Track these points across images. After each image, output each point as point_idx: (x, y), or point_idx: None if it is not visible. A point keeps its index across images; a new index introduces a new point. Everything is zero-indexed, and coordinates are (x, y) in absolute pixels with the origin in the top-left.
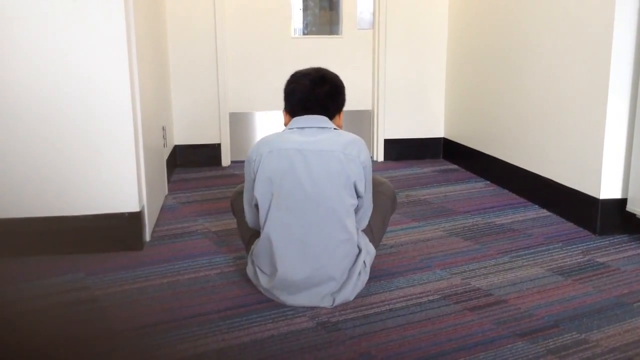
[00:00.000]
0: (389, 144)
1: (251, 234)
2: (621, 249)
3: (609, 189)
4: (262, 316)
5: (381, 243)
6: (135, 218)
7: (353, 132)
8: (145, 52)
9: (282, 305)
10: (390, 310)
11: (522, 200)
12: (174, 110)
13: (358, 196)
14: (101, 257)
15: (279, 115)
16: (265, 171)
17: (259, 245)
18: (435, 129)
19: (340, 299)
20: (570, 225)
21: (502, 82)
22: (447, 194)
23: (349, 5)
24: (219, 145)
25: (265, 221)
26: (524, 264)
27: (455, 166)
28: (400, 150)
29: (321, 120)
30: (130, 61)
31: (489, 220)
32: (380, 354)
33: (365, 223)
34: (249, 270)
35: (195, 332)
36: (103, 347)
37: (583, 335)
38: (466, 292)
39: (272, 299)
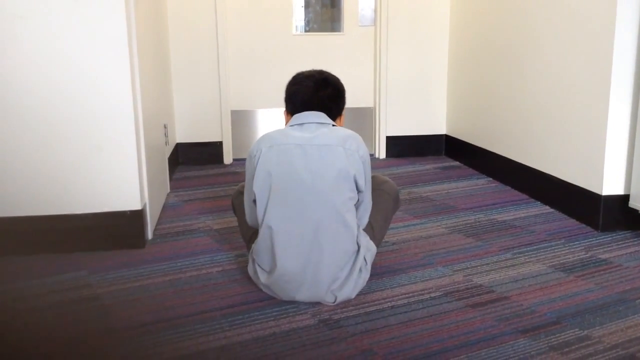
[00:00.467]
0: (391, 141)
1: (252, 232)
2: (624, 245)
3: (611, 185)
4: (263, 314)
5: (383, 240)
6: (137, 216)
7: (355, 130)
8: (146, 50)
9: (283, 302)
10: (392, 307)
11: (524, 196)
12: (175, 108)
13: (359, 191)
14: (103, 255)
15: (280, 112)
16: (264, 165)
17: (258, 242)
18: (437, 126)
19: (341, 296)
20: (572, 222)
21: (504, 79)
22: (449, 190)
23: (350, 2)
24: (220, 143)
25: (263, 216)
26: (526, 260)
27: (457, 163)
28: (402, 147)
29: (320, 116)
30: (132, 59)
31: (491, 217)
32: (382, 351)
33: (365, 221)
34: (250, 268)
35: (197, 330)
36: (105, 345)
37: (585, 332)
38: (468, 288)
39: (273, 297)
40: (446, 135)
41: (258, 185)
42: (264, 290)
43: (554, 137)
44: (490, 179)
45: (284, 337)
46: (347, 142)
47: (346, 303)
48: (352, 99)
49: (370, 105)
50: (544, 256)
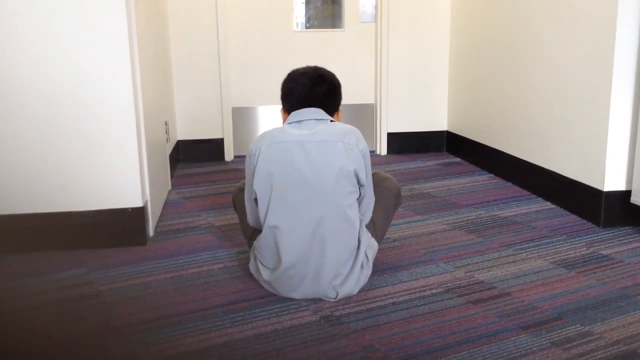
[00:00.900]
0: (392, 138)
1: (253, 229)
2: (625, 241)
3: (613, 181)
4: (265, 310)
5: (384, 237)
6: (138, 213)
7: (356, 126)
8: (147, 47)
9: (285, 299)
10: (394, 303)
11: (525, 192)
12: (176, 106)
13: (360, 185)
14: (105, 252)
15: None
16: (265, 164)
17: (260, 240)
18: (438, 122)
19: (343, 292)
20: (574, 218)
21: (505, 75)
22: (450, 187)
23: None
24: (221, 140)
25: (266, 214)
26: (528, 256)
27: (459, 159)
28: (403, 143)
29: (318, 112)
30: (132, 56)
31: (493, 213)
32: (383, 347)
33: (369, 216)
34: (251, 265)
35: (198, 327)
36: (106, 342)
37: (587, 328)
38: (469, 285)
39: (274, 294)
40: (447, 132)
41: (259, 184)
42: (265, 287)
43: (556, 133)
44: (492, 175)
45: (286, 334)
46: (347, 137)
47: (348, 299)
48: (353, 96)
49: (371, 101)
50: (545, 252)
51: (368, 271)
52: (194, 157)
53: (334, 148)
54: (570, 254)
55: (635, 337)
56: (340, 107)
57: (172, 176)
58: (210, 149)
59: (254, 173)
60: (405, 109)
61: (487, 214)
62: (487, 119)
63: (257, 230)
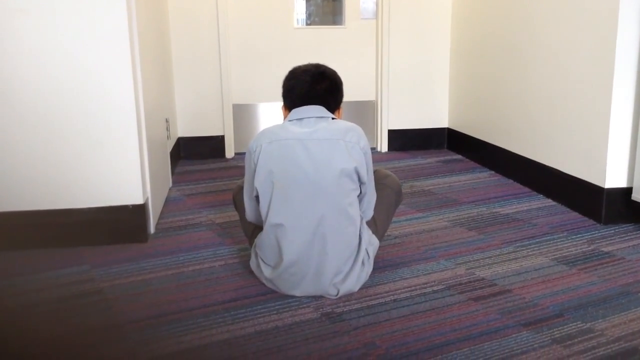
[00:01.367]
0: (393, 135)
1: (254, 227)
2: (626, 238)
3: (614, 178)
4: (266, 307)
5: (385, 234)
6: (139, 210)
7: (357, 123)
8: (147, 43)
9: (286, 296)
10: (395, 300)
11: (526, 189)
12: (177, 103)
13: (361, 183)
14: (106, 249)
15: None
16: (265, 161)
17: (262, 237)
18: (439, 119)
19: (344, 289)
20: (575, 215)
21: (507, 72)
22: (451, 184)
23: None
24: (222, 137)
25: (267, 212)
26: (529, 253)
27: (460, 156)
28: (404, 140)
29: (319, 110)
30: (133, 53)
31: (494, 210)
32: (384, 344)
33: (370, 213)
34: (252, 263)
35: (200, 324)
36: (108, 339)
37: (588, 325)
38: (470, 282)
39: (276, 291)
40: (448, 129)
41: (260, 182)
42: (266, 284)
43: (557, 130)
44: (493, 172)
45: (287, 331)
46: (348, 134)
47: (349, 296)
48: (354, 93)
49: (372, 98)
50: (546, 249)
51: (369, 268)
52: (195, 154)
53: (335, 146)
54: (572, 251)
55: (637, 334)
56: (342, 105)
57: (172, 173)
58: (211, 146)
59: (254, 170)
60: (406, 106)
61: (488, 211)
62: (488, 116)
63: (257, 228)
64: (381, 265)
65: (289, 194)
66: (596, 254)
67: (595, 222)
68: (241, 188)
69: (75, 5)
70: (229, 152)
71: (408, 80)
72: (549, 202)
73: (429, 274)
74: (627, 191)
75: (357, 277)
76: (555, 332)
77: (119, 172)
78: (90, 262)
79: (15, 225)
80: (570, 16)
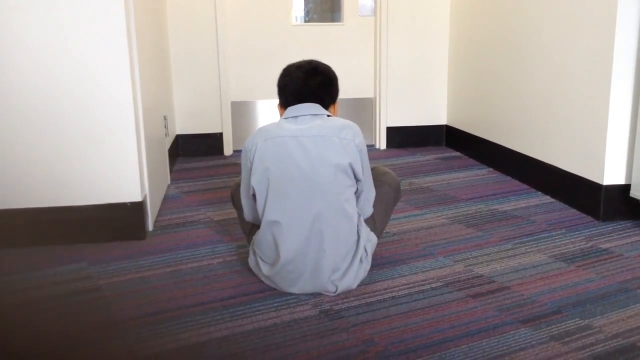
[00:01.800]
0: (392, 132)
1: (252, 224)
2: (624, 234)
3: (612, 175)
4: (264, 304)
5: (384, 231)
6: (137, 207)
7: (355, 120)
8: (145, 40)
9: (284, 293)
10: (393, 297)
11: (524, 186)
12: (175, 100)
13: (357, 180)
14: (104, 246)
15: None
16: (261, 159)
17: (259, 235)
18: (437, 116)
19: (342, 286)
20: (573, 212)
21: (505, 69)
22: (449, 181)
23: None
24: (220, 134)
25: (264, 209)
26: (527, 250)
27: (458, 153)
28: (403, 137)
29: (314, 107)
30: (131, 50)
31: (492, 207)
32: (383, 341)
33: (368, 210)
34: (251, 260)
35: (198, 321)
36: (106, 336)
37: (586, 321)
38: (469, 279)
39: (274, 288)
40: (447, 126)
41: (256, 180)
42: (265, 281)
43: (555, 127)
44: (491, 169)
45: (285, 328)
46: (343, 131)
47: (347, 293)
48: (352, 90)
49: (371, 95)
50: (544, 246)
51: (367, 265)
52: (193, 152)
53: (329, 143)
54: (570, 248)
55: (635, 331)
56: (340, 101)
57: (171, 171)
58: (209, 144)
59: (250, 169)
60: (404, 103)
61: (487, 208)
62: (486, 113)
63: (255, 226)
64: (379, 262)
65: (284, 191)
66: (594, 250)
67: (593, 219)
68: (239, 186)
69: (73, 3)
70: (227, 150)
71: (406, 78)
72: (547, 199)
73: (428, 271)
74: (625, 188)
75: (355, 274)
76: (554, 329)
77: (117, 169)
78: (88, 259)
79: (13, 222)
80: (569, 13)
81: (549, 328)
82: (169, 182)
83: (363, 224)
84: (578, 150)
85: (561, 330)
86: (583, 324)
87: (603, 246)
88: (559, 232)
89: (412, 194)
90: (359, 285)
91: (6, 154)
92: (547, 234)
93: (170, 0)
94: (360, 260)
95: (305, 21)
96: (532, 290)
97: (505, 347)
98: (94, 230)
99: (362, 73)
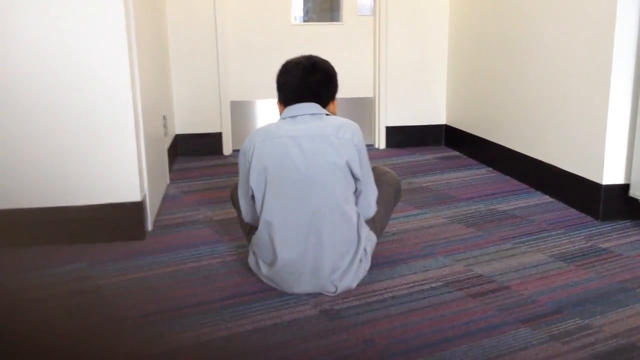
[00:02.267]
0: (391, 131)
1: (252, 224)
2: (624, 234)
3: (611, 175)
4: (265, 304)
5: (384, 230)
6: (137, 207)
7: (354, 120)
8: (145, 40)
9: (284, 293)
10: (393, 297)
11: (524, 186)
12: (174, 99)
13: (356, 179)
14: (103, 246)
15: None
16: (259, 159)
17: (257, 234)
18: (437, 116)
19: (342, 286)
20: (572, 211)
21: (504, 68)
22: (449, 180)
23: None
24: (220, 134)
25: (261, 209)
26: (527, 250)
27: (457, 153)
28: (402, 137)
29: (313, 107)
30: (130, 50)
31: (491, 207)
32: (383, 341)
33: (369, 210)
34: (251, 260)
35: (198, 321)
36: (106, 336)
37: (586, 321)
38: (469, 278)
39: (274, 288)
40: (446, 125)
41: (254, 180)
42: (265, 281)
43: (554, 126)
44: (490, 168)
45: (286, 328)
46: (340, 131)
47: (347, 293)
48: (352, 89)
49: (370, 95)
50: (544, 246)
51: (367, 265)
52: (192, 151)
53: (326, 142)
54: (569, 248)
55: (634, 330)
56: (339, 100)
57: (170, 170)
58: (209, 143)
59: (248, 170)
60: (403, 103)
61: (486, 208)
62: (485, 113)
63: (255, 226)
64: (379, 262)
65: (282, 191)
66: (594, 250)
67: (592, 219)
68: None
69: (73, 3)
70: (227, 149)
71: (406, 77)
72: (547, 198)
73: (427, 270)
74: (625, 188)
75: (354, 274)
76: (554, 329)
77: (116, 169)
78: (88, 259)
79: (13, 222)
80: (568, 12)
81: (549, 328)
82: (168, 181)
83: (363, 224)
84: (577, 150)
85: (561, 330)
86: (583, 323)
87: (602, 246)
88: (559, 231)
89: (411, 193)
90: (358, 285)
91: (5, 155)
92: (546, 234)
93: (169, 0)
94: (360, 260)
95: (305, 20)
96: (532, 290)
97: (505, 347)
98: (93, 231)
99: (361, 72)
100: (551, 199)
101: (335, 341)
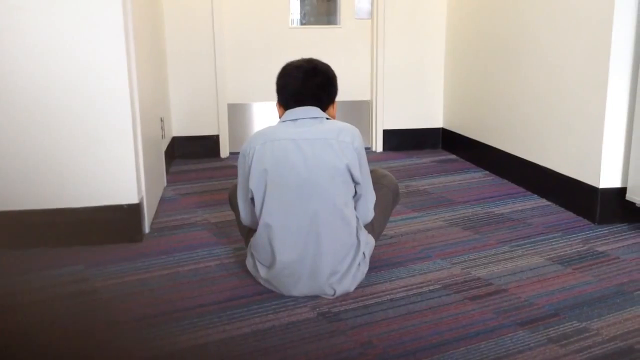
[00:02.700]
0: (388, 135)
1: (250, 227)
2: (621, 237)
3: (608, 178)
4: (262, 307)
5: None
6: (134, 210)
7: (352, 123)
8: (142, 42)
9: (282, 296)
10: (391, 300)
11: (521, 189)
12: (172, 102)
13: (356, 183)
14: (101, 249)
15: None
16: (259, 162)
17: (256, 237)
18: (434, 119)
19: (340, 289)
20: (569, 215)
21: (501, 72)
22: (446, 184)
23: None
24: (217, 136)
25: (261, 211)
26: (524, 253)
27: (454, 156)
28: (399, 140)
29: (314, 111)
30: (128, 52)
31: (489, 210)
32: (381, 344)
33: (367, 215)
34: (249, 262)
35: (196, 323)
36: (103, 339)
37: (583, 324)
38: (466, 281)
39: (272, 291)
40: (443, 129)
41: (254, 182)
42: (263, 284)
43: (552, 130)
44: (487, 172)
45: (284, 330)
46: (341, 134)
47: (345, 296)
48: (349, 93)
49: (367, 98)
50: (541, 249)
51: (365, 268)
52: (190, 154)
53: (327, 145)
54: (567, 251)
55: (632, 333)
56: (337, 103)
57: (167, 173)
58: (206, 146)
59: (248, 173)
60: (401, 106)
61: (483, 211)
62: (482, 116)
63: (253, 228)
64: (377, 264)
65: (281, 193)
66: (591, 253)
67: (589, 222)
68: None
69: (71, 4)
70: (224, 152)
71: (403, 80)
72: (544, 202)
73: (425, 273)
74: (621, 191)
75: (353, 277)
76: (551, 332)
77: (113, 171)
78: (85, 261)
79: (10, 224)
80: (565, 16)
81: (546, 331)
82: (165, 184)
83: (362, 228)
84: (574, 154)
85: (559, 333)
86: (580, 326)
87: (599, 249)
88: (556, 235)
89: (409, 196)
90: (357, 288)
91: (2, 156)
92: (543, 237)
93: (167, 3)
94: (359, 264)
95: (302, 24)
96: (530, 293)
97: (503, 350)
98: (90, 233)
99: (359, 76)
100: (548, 202)
101: (334, 344)
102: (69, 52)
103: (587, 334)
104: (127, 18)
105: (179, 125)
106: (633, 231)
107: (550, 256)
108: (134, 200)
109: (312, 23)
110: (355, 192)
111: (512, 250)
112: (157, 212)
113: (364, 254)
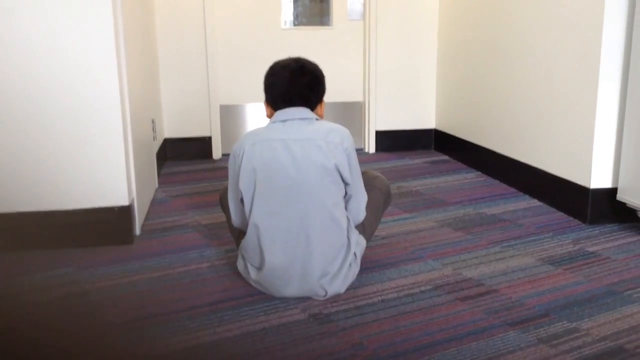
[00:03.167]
0: (380, 136)
1: (241, 229)
2: (611, 238)
3: (599, 179)
4: (253, 309)
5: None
6: (125, 212)
7: (344, 124)
8: (133, 43)
9: (273, 297)
10: (382, 301)
11: (512, 190)
12: (163, 103)
13: (346, 183)
14: (91, 251)
15: None
16: (249, 163)
17: (246, 238)
18: (426, 120)
19: (331, 290)
20: (560, 215)
21: (493, 73)
22: (438, 184)
23: None
24: (209, 138)
25: (250, 212)
26: (515, 253)
27: (447, 157)
28: (392, 141)
29: (303, 111)
30: (119, 53)
31: (480, 211)
32: (372, 345)
33: (359, 215)
34: (240, 264)
35: (186, 326)
36: (94, 341)
37: (574, 324)
38: (458, 282)
39: (263, 292)
40: (435, 130)
41: (244, 183)
42: (254, 286)
43: (543, 130)
44: (479, 172)
45: (274, 332)
46: (330, 135)
47: (336, 297)
48: (341, 94)
49: (360, 99)
50: (532, 249)
51: (356, 268)
52: (181, 155)
53: (315, 146)
54: (557, 251)
55: (622, 333)
56: (328, 105)
57: (159, 174)
58: (198, 147)
59: (238, 173)
60: (393, 107)
61: (475, 212)
62: (474, 117)
63: (244, 230)
64: (369, 265)
65: (270, 193)
66: (582, 254)
67: (580, 222)
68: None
69: (61, 4)
70: (216, 153)
71: (395, 82)
72: (535, 202)
73: (417, 274)
74: (612, 192)
75: (344, 278)
76: (542, 332)
77: (104, 173)
78: (75, 264)
79: (0, 227)
80: (556, 17)
81: (537, 331)
82: (156, 186)
83: (353, 228)
84: (565, 154)
85: (549, 333)
86: (571, 326)
87: (590, 249)
88: (547, 235)
89: (400, 197)
90: (348, 289)
91: None
92: (534, 237)
93: (158, 3)
94: (350, 265)
95: (295, 25)
96: (520, 293)
97: (493, 350)
98: (81, 235)
99: (351, 77)
100: (539, 203)
101: (324, 345)
102: (58, 53)
103: (578, 334)
104: (117, 19)
105: (170, 127)
106: (624, 231)
107: (541, 256)
108: (125, 202)
109: (305, 24)
110: (346, 192)
111: (503, 251)
112: (148, 214)
113: (355, 254)
